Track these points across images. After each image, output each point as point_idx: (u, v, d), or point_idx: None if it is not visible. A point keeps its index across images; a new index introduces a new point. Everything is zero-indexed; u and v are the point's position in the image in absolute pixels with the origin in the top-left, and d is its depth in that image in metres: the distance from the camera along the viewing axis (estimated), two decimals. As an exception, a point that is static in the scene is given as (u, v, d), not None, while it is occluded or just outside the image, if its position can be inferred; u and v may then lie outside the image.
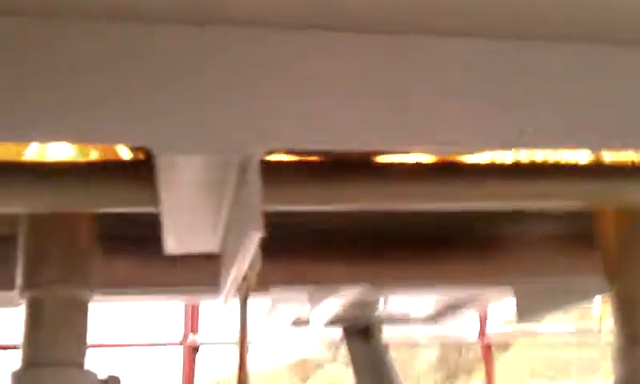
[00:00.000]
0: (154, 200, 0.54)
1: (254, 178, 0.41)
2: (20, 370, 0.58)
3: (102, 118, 0.40)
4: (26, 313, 0.60)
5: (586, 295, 1.05)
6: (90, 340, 0.59)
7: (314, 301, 1.29)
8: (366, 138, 0.43)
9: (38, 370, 0.57)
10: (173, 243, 0.64)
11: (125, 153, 0.61)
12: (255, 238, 0.42)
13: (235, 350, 0.70)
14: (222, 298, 0.68)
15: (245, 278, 0.66)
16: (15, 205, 0.55)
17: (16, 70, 0.40)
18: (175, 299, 1.04)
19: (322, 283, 0.90)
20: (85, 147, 0.60)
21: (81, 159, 0.58)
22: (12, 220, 0.62)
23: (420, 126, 0.45)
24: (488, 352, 3.04)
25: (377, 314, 1.57)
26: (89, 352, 0.59)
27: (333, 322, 1.62)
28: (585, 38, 0.45)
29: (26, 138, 0.42)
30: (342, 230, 0.87)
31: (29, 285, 0.60)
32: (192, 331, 3.29)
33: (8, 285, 0.61)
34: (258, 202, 0.41)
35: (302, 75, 0.42)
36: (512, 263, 0.88)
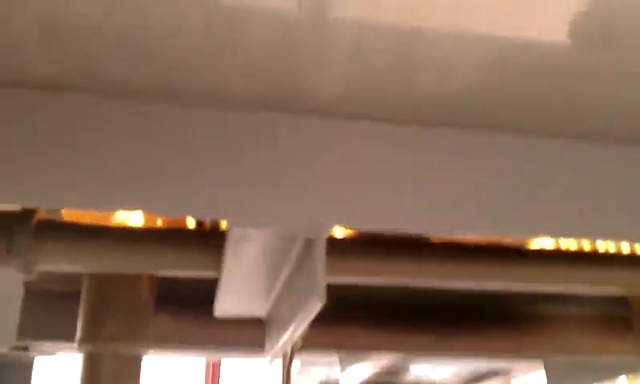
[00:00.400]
0: (216, 266, 0.58)
1: (321, 251, 0.45)
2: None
3: (190, 193, 0.44)
4: (82, 365, 0.63)
5: (616, 372, 1.05)
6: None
7: (344, 364, 1.30)
8: (420, 221, 0.46)
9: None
10: (225, 306, 0.67)
11: (190, 222, 0.66)
12: (317, 306, 0.45)
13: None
14: (268, 358, 0.71)
15: (292, 347, 0.70)
16: (91, 264, 0.59)
17: (100, 149, 0.45)
18: (220, 356, 1.05)
19: (358, 349, 0.92)
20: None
21: (150, 226, 0.63)
22: (76, 278, 0.66)
23: (468, 212, 0.48)
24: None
25: (405, 380, 1.58)
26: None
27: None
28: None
29: (117, 207, 0.45)
30: (380, 298, 0.89)
31: (87, 339, 0.63)
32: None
33: (70, 337, 0.65)
34: (322, 273, 0.44)
35: (366, 162, 0.46)
36: (545, 340, 0.90)
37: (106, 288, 0.64)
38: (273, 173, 0.45)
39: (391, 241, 0.59)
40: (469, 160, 0.49)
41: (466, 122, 0.48)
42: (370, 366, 1.20)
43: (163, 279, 0.68)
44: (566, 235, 0.52)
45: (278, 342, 0.64)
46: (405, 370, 1.50)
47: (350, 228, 0.52)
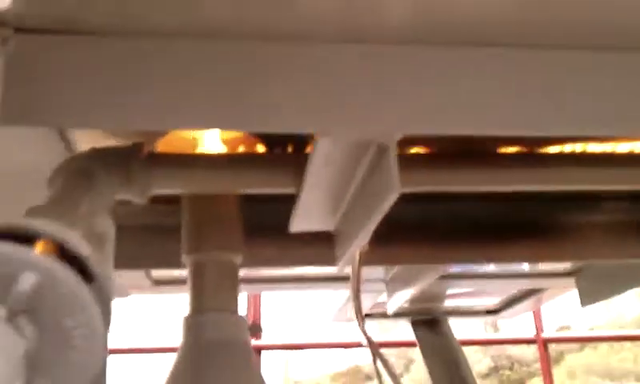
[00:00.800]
0: (295, 183, 0.70)
1: (393, 151, 0.56)
2: (189, 316, 0.74)
3: (279, 109, 0.55)
4: (190, 273, 0.76)
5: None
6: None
7: (390, 290, 1.43)
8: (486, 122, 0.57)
9: (203, 315, 0.73)
10: (301, 221, 0.79)
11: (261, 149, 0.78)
12: (393, 197, 0.57)
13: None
14: (339, 266, 0.83)
15: (360, 250, 0.82)
16: (188, 187, 0.72)
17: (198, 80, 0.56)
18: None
19: (408, 262, 1.04)
20: (233, 139, 0.77)
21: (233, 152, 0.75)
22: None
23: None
24: (545, 351, 3.11)
25: (443, 306, 1.71)
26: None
27: (402, 314, 1.76)
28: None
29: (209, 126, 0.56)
30: (425, 219, 1.01)
31: (192, 250, 0.76)
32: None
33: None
34: (395, 167, 0.55)
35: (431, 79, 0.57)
36: (581, 246, 1.00)
37: (202, 208, 0.76)
38: (349, 90, 0.56)
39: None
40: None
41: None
42: (409, 292, 1.31)
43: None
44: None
45: (348, 246, 0.76)
46: (442, 296, 1.63)
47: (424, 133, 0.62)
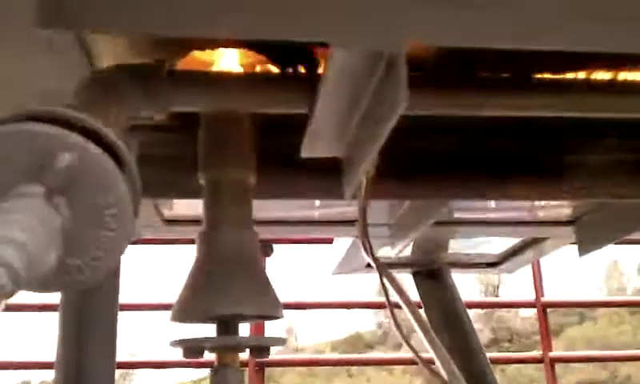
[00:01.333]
0: (307, 102, 0.74)
1: (402, 62, 0.59)
2: (204, 231, 0.78)
3: (299, 19, 0.58)
4: (206, 189, 0.80)
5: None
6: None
7: (394, 239, 1.47)
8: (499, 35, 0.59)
9: (218, 230, 0.77)
10: (311, 145, 0.82)
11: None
12: (402, 107, 0.60)
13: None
14: (346, 192, 0.86)
15: (366, 174, 0.85)
16: (207, 103, 0.75)
17: None
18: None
19: (416, 197, 1.08)
20: (249, 60, 0.80)
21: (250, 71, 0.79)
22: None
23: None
24: (544, 315, 3.16)
25: (445, 257, 1.75)
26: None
27: (404, 265, 1.80)
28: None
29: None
30: (433, 154, 1.05)
31: (209, 167, 0.79)
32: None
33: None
34: (404, 77, 0.59)
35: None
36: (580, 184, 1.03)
37: (219, 127, 0.80)
38: (362, 3, 0.59)
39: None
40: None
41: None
42: (416, 235, 1.34)
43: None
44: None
45: (357, 168, 0.79)
46: (443, 246, 1.67)
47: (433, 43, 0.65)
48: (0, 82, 0.75)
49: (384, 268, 0.87)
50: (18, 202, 0.46)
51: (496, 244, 1.79)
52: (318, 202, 1.43)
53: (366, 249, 0.84)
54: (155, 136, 0.94)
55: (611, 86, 0.81)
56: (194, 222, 1.37)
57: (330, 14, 0.59)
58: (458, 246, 1.79)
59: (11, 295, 0.42)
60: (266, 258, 1.05)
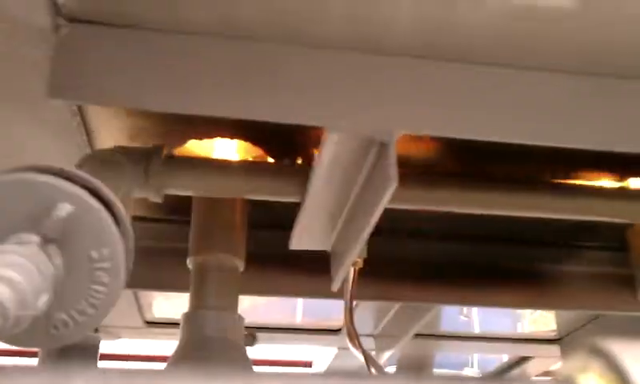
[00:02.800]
0: (300, 192, 0.76)
1: (392, 149, 0.63)
2: (189, 312, 0.78)
3: (295, 103, 0.62)
4: (193, 273, 0.80)
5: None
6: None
7: (379, 347, 1.45)
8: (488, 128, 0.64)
9: (203, 312, 0.77)
10: (300, 237, 0.84)
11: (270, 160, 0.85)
12: (391, 190, 0.62)
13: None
14: (334, 284, 0.87)
15: (354, 265, 0.86)
16: (201, 188, 0.78)
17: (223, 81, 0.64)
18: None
19: (399, 300, 1.08)
20: (245, 151, 0.84)
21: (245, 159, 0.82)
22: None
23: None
24: None
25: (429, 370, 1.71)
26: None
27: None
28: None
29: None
30: (416, 258, 1.07)
31: (198, 252, 0.80)
32: None
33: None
34: (394, 161, 0.62)
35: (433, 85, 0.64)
36: (564, 295, 1.05)
37: (211, 213, 0.82)
38: (357, 91, 0.63)
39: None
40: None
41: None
42: (400, 346, 1.34)
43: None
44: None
45: (345, 258, 0.81)
46: (429, 360, 1.64)
47: (419, 133, 0.69)
48: (3, 149, 0.78)
49: (374, 362, 0.86)
50: (13, 246, 0.47)
51: (481, 366, 1.77)
52: (300, 310, 1.42)
53: (353, 342, 0.84)
54: (143, 227, 0.96)
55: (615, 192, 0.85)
56: (177, 324, 1.36)
57: (327, 101, 0.63)
58: (443, 372, 1.77)
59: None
60: (250, 347, 1.03)
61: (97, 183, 0.52)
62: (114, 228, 0.51)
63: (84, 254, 0.50)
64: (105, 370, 0.17)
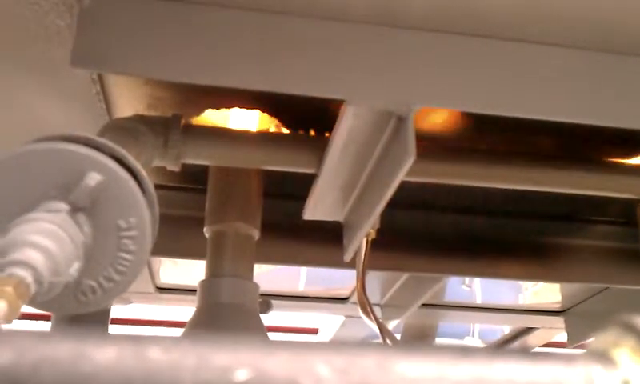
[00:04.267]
0: (315, 163, 0.77)
1: (411, 121, 0.63)
2: (205, 279, 0.79)
3: (316, 76, 0.63)
4: (210, 241, 0.82)
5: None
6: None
7: (385, 316, 1.47)
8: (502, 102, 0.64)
9: (219, 280, 0.79)
10: (314, 208, 0.85)
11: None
12: (409, 163, 0.63)
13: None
14: (346, 255, 0.88)
15: (367, 237, 0.87)
16: (218, 158, 0.79)
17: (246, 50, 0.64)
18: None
19: (413, 271, 1.10)
20: (262, 122, 0.84)
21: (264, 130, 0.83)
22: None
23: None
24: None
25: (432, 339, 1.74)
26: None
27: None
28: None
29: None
30: (428, 232, 1.08)
31: (215, 221, 0.82)
32: None
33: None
34: (412, 135, 0.62)
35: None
36: (572, 268, 1.06)
37: (228, 182, 0.83)
38: (377, 65, 0.64)
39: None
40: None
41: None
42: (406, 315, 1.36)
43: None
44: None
45: (358, 229, 0.82)
46: (432, 329, 1.67)
47: (437, 107, 0.70)
48: (23, 117, 0.78)
49: (387, 331, 0.87)
50: (44, 214, 0.48)
51: (481, 336, 1.80)
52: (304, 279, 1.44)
53: (366, 311, 0.85)
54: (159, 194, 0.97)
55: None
56: (187, 291, 1.38)
57: (346, 74, 0.63)
58: (444, 341, 1.79)
59: (31, 299, 0.43)
60: (264, 314, 1.05)
61: (123, 153, 0.53)
62: (141, 197, 0.52)
63: (112, 222, 0.51)
64: (178, 339, 0.18)
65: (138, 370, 0.16)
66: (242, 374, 0.17)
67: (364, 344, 0.20)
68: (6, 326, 0.37)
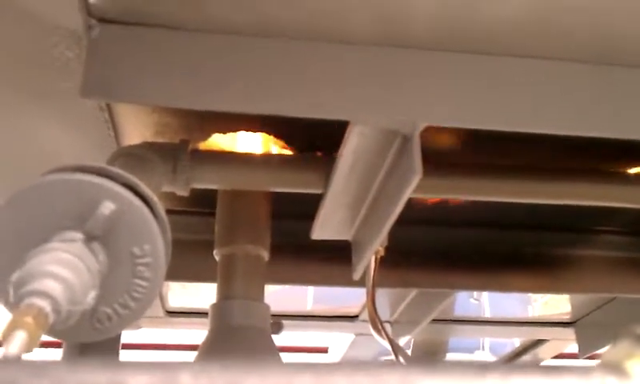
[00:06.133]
0: (322, 184, 0.78)
1: (416, 140, 0.64)
2: (217, 302, 0.80)
3: (321, 98, 0.64)
4: (220, 264, 0.82)
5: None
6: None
7: (396, 333, 1.47)
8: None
9: (231, 302, 0.79)
10: (322, 227, 0.86)
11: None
12: (415, 181, 0.64)
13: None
14: (356, 273, 0.89)
15: (376, 254, 0.88)
16: (227, 181, 0.80)
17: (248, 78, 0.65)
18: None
19: (419, 286, 1.10)
20: (268, 144, 0.85)
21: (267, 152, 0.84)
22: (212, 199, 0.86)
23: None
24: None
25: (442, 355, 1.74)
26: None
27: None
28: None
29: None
30: (432, 248, 1.08)
31: (225, 244, 0.82)
32: None
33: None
34: (418, 153, 0.63)
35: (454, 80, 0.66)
36: (579, 280, 1.07)
37: (237, 205, 0.83)
38: (381, 85, 0.65)
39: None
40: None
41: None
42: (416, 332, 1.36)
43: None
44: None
45: (367, 248, 0.82)
46: (442, 345, 1.67)
47: (442, 125, 0.71)
48: (32, 146, 0.80)
49: (399, 348, 0.88)
50: (60, 244, 0.49)
51: (492, 350, 1.80)
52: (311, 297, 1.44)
53: (377, 328, 0.86)
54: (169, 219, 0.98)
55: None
56: (196, 314, 1.38)
57: (352, 95, 0.65)
58: (455, 356, 1.79)
59: (50, 328, 0.44)
60: (276, 335, 1.06)
61: (135, 181, 0.54)
62: (154, 224, 0.53)
63: (126, 250, 0.52)
64: (207, 365, 0.19)
65: (171, 396, 0.17)
66: (269, 397, 0.17)
67: (385, 364, 0.21)
68: (26, 356, 0.38)
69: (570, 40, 0.66)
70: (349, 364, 0.20)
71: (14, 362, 0.25)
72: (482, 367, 0.25)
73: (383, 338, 0.85)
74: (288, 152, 0.86)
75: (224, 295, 0.80)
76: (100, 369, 0.18)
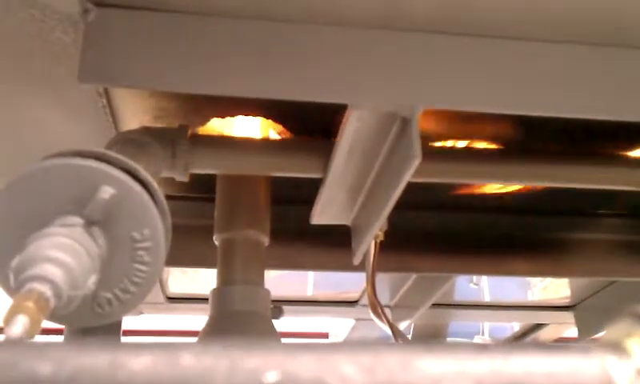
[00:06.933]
0: (321, 168, 0.78)
1: (415, 123, 0.64)
2: (217, 288, 0.80)
3: (321, 82, 0.64)
4: (220, 249, 0.82)
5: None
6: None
7: (395, 317, 1.48)
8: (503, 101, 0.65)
9: (231, 287, 0.79)
10: (322, 212, 0.86)
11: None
12: (414, 165, 0.64)
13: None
14: (355, 258, 0.89)
15: (375, 239, 0.88)
16: (226, 166, 0.79)
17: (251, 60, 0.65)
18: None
19: (421, 270, 1.10)
20: (267, 129, 0.85)
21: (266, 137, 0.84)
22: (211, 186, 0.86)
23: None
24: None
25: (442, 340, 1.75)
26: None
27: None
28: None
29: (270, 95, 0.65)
30: (431, 232, 1.09)
31: (225, 229, 0.82)
32: None
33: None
34: (417, 136, 0.63)
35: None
36: (579, 263, 1.07)
37: (236, 190, 0.83)
38: (380, 68, 0.65)
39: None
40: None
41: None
42: (416, 316, 1.36)
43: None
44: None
45: (367, 232, 0.82)
46: (443, 329, 1.67)
47: (441, 107, 0.71)
48: (30, 132, 0.79)
49: (399, 332, 0.88)
50: (60, 229, 0.49)
51: (491, 334, 1.80)
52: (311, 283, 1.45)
53: (377, 313, 0.86)
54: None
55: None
56: (197, 299, 1.39)
57: (350, 78, 0.64)
58: (455, 341, 1.79)
59: (51, 313, 0.44)
60: (276, 319, 1.06)
61: (135, 165, 0.54)
62: (154, 209, 0.53)
63: (126, 234, 0.52)
64: (209, 346, 0.19)
65: (173, 375, 0.17)
66: (271, 376, 0.17)
67: (386, 343, 0.21)
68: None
69: (572, 22, 0.65)
70: (350, 344, 0.20)
71: (15, 343, 0.25)
72: (482, 346, 0.25)
73: (383, 323, 0.85)
74: (287, 136, 0.86)
75: (224, 280, 0.80)
76: (101, 350, 0.18)
